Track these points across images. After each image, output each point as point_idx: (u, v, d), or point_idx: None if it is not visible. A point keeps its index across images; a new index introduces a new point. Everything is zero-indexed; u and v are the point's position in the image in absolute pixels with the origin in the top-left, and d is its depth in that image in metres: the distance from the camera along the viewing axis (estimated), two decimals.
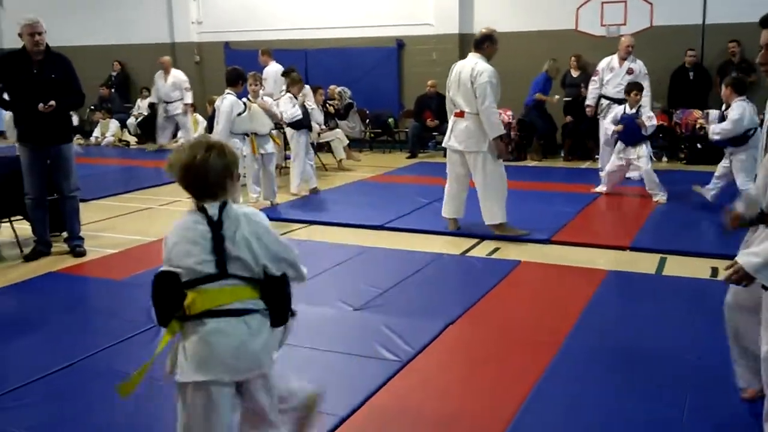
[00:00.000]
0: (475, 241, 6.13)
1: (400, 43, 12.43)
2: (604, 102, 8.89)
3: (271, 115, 7.51)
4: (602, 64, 8.97)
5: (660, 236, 6.26)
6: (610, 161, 7.88)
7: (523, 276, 5.17)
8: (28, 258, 5.80)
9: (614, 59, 8.85)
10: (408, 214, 7.08)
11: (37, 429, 3.10)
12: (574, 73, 10.79)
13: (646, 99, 8.79)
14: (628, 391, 3.34)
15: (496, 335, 4.08)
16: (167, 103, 12.25)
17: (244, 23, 13.26)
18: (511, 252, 5.76)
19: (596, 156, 9.68)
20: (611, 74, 8.82)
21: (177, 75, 12.25)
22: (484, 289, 4.80)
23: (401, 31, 12.32)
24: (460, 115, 6.05)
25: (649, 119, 7.54)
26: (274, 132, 7.84)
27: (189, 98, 12.09)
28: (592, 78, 9.12)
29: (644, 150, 7.52)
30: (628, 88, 7.70)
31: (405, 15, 12.22)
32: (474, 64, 5.93)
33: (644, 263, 5.42)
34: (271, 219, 8.13)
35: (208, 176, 2.25)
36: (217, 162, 2.26)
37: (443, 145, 6.39)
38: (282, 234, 7.05)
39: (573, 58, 10.77)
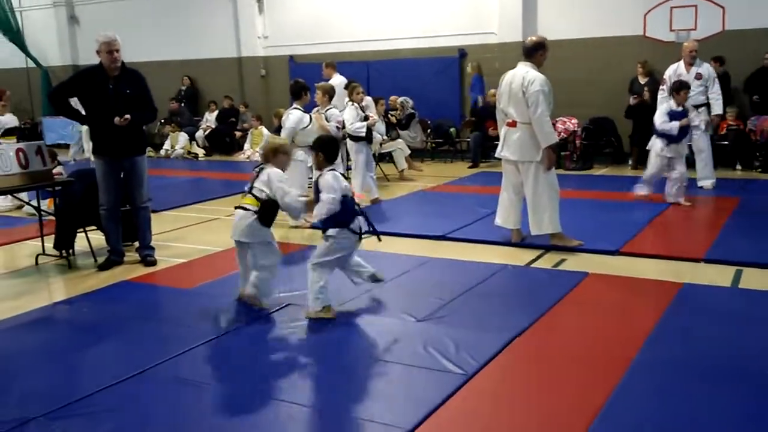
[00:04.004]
0: (538, 252, 6.03)
1: (462, 53, 12.39)
2: None
3: (325, 132, 7.55)
4: (669, 71, 8.74)
5: (735, 247, 5.98)
6: (653, 164, 7.76)
7: (590, 289, 5.04)
8: (102, 267, 6.01)
9: (681, 66, 8.60)
10: (470, 225, 7.02)
11: None
12: (642, 80, 10.54)
13: (718, 103, 8.52)
14: (703, 409, 3.20)
15: (564, 349, 3.98)
16: None
17: (309, 37, 13.48)
18: (577, 264, 5.64)
19: None
20: None
21: None
22: (550, 301, 4.71)
23: (463, 40, 12.29)
24: (512, 125, 5.97)
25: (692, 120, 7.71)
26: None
27: None
28: (661, 87, 8.87)
29: (686, 148, 7.76)
30: (677, 87, 7.68)
31: (467, 24, 12.19)
32: (525, 72, 5.84)
33: (719, 275, 5.22)
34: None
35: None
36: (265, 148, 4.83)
37: (496, 155, 6.33)
38: None
39: (639, 65, 10.53)
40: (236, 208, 4.74)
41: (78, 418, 3.32)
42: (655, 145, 7.69)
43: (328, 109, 7.65)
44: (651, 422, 3.11)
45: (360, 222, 4.60)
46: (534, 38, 6.09)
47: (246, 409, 3.36)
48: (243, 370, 3.81)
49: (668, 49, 10.22)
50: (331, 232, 4.50)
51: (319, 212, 4.42)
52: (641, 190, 7.80)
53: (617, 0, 11.06)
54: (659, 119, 7.61)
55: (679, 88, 7.63)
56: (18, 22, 16.44)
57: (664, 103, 7.77)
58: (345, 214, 4.47)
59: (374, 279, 4.88)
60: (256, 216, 4.60)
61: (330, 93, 7.91)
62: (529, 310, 4.55)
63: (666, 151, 7.56)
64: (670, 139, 7.51)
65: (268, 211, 4.62)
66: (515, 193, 6.20)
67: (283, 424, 3.25)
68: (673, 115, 7.52)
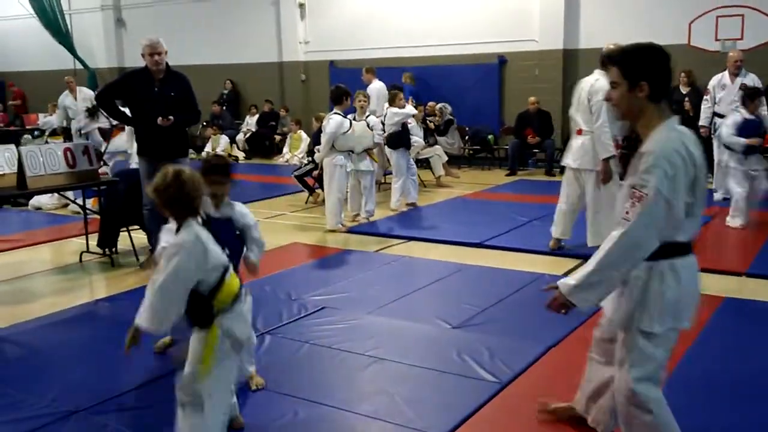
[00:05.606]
0: (577, 262, 5.95)
1: (501, 60, 12.34)
2: (718, 120, 8.50)
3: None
4: (713, 81, 8.60)
5: None
6: (737, 183, 6.95)
7: None
8: (144, 266, 6.12)
9: (725, 76, 8.46)
10: (507, 233, 6.99)
11: (149, 428, 3.29)
12: (683, 90, 10.35)
13: (763, 115, 8.33)
14: (744, 424, 3.14)
15: None
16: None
17: (349, 42, 13.58)
18: None
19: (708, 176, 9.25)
20: (723, 92, 8.43)
21: (86, 93, 11.01)
22: (587, 312, 4.64)
23: (503, 47, 12.24)
24: (579, 132, 5.92)
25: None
26: (374, 150, 7.96)
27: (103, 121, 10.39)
28: (704, 98, 8.73)
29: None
30: (751, 94, 7.07)
31: (508, 32, 12.14)
32: (594, 80, 5.77)
33: (762, 290, 5.10)
34: (369, 234, 8.19)
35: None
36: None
37: (562, 163, 6.27)
38: (380, 249, 7.09)
39: (683, 74, 10.35)
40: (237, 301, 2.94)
41: (118, 413, 3.41)
42: (729, 160, 7.03)
43: (367, 116, 7.70)
44: None
45: None
46: (611, 46, 6.00)
47: (279, 409, 3.40)
48: (276, 371, 3.85)
49: (713, 59, 10.03)
50: None
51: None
52: (736, 221, 7.01)
53: (661, 8, 10.91)
54: (726, 131, 6.96)
55: (753, 95, 7.01)
56: (67, 25, 16.89)
57: (734, 114, 7.12)
58: None
59: None
60: None
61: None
62: (565, 321, 4.48)
63: (745, 164, 6.88)
64: (746, 151, 6.82)
65: None
66: (567, 203, 6.11)
67: (317, 426, 3.27)
68: (744, 126, 6.87)
